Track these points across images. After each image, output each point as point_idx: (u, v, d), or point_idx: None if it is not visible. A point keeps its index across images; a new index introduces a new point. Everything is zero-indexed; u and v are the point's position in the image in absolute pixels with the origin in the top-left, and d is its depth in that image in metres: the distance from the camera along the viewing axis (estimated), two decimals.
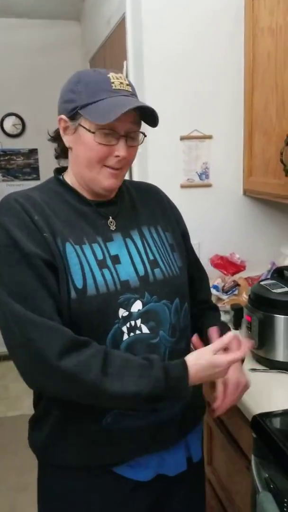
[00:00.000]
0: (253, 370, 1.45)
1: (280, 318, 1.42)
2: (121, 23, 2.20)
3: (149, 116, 0.98)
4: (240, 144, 1.99)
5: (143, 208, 1.11)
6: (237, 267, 1.92)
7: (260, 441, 1.14)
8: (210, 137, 1.96)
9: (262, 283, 1.54)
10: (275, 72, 1.69)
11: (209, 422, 1.61)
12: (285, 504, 1.02)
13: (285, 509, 1.02)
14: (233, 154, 2.00)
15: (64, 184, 1.04)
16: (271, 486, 1.09)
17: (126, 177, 1.11)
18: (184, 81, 1.91)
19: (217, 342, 0.97)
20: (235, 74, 1.94)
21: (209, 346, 0.97)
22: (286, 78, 1.61)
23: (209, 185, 2.00)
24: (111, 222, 1.03)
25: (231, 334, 0.99)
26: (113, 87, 0.94)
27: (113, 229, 1.02)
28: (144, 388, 0.88)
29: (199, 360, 0.94)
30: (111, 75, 0.96)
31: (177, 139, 1.94)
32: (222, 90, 1.95)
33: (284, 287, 1.47)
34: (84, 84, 0.96)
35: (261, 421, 1.15)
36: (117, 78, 0.96)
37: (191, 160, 1.96)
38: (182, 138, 1.94)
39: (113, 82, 0.95)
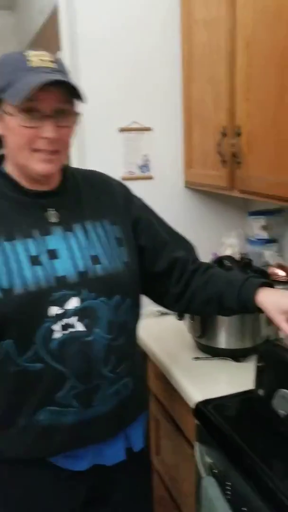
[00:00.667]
0: (196, 358, 1.47)
1: None
2: (54, 12, 2.15)
3: (75, 91, 0.92)
4: (180, 136, 2.00)
5: (89, 199, 1.06)
6: None
7: (203, 427, 1.15)
8: (149, 129, 1.96)
9: None
10: (210, 64, 1.71)
11: (155, 413, 1.62)
12: (228, 488, 1.04)
13: (227, 492, 1.04)
14: (173, 146, 2.01)
15: (1, 173, 1.00)
16: (214, 471, 1.11)
17: None
18: (120, 71, 1.89)
19: None
20: (172, 65, 1.94)
21: None
22: (220, 70, 1.63)
23: (150, 178, 1.99)
24: (53, 214, 0.99)
25: None
26: (30, 65, 0.90)
27: (54, 222, 0.99)
28: None
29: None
30: (29, 53, 0.92)
31: (115, 131, 1.92)
32: (160, 81, 1.95)
33: None
34: (1, 67, 0.92)
35: (203, 408, 1.16)
36: (37, 56, 0.92)
37: (131, 152, 1.95)
38: (121, 130, 1.92)
39: (29, 60, 0.90)
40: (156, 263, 1.15)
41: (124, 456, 1.08)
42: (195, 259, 1.22)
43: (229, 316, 1.34)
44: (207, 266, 1.20)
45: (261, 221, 1.95)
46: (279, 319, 1.02)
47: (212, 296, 1.14)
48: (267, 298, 1.05)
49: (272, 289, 1.10)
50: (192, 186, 2.02)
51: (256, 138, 1.47)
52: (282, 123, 1.33)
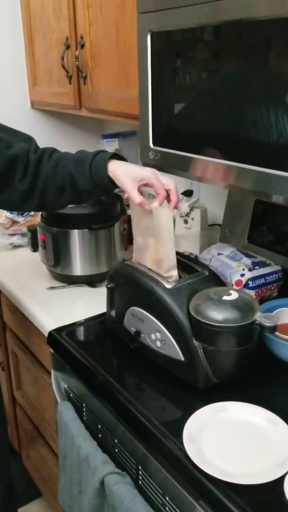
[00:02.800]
0: (51, 288, 1.42)
1: (73, 232, 1.38)
2: None
3: None
4: (21, 49, 1.81)
5: None
6: None
7: (56, 354, 1.12)
8: None
9: None
10: None
11: (13, 347, 1.55)
12: (84, 409, 1.04)
13: (84, 413, 1.04)
14: (15, 61, 1.81)
15: None
16: (71, 395, 1.10)
17: None
18: None
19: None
20: None
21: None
22: None
23: None
24: None
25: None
26: None
27: None
28: None
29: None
30: None
31: None
32: None
33: None
34: None
35: (56, 335, 1.13)
36: None
37: None
38: None
39: None
40: None
41: None
42: (36, 148, 1.08)
43: (87, 202, 1.20)
44: (51, 151, 1.07)
45: (114, 144, 1.89)
46: (130, 187, 0.96)
47: (65, 181, 1.03)
48: (118, 167, 0.99)
49: (123, 161, 1.03)
50: (39, 107, 1.87)
51: (100, 49, 1.37)
52: (124, 32, 1.25)
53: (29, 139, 1.09)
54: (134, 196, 0.96)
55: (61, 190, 1.04)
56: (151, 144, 1.09)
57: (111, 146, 1.90)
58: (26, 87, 1.85)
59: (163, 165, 1.08)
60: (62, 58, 1.53)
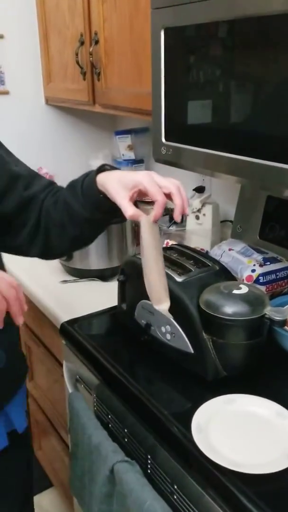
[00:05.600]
0: (64, 281, 1.44)
1: None
2: None
3: None
4: (37, 46, 1.83)
5: None
6: None
7: (69, 345, 1.14)
8: (1, 36, 1.75)
9: None
10: None
11: (26, 340, 1.58)
12: (95, 399, 1.06)
13: (94, 403, 1.06)
14: (30, 58, 1.83)
15: None
16: (82, 386, 1.12)
17: None
18: None
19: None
20: None
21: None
22: None
23: (6, 93, 1.81)
24: None
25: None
26: None
27: None
28: None
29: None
30: None
31: None
32: None
33: None
34: None
35: (68, 327, 1.15)
36: None
37: None
38: None
39: None
40: (4, 202, 0.91)
41: (7, 441, 0.97)
42: (48, 190, 0.96)
43: (91, 239, 1.00)
44: (57, 189, 0.96)
45: (127, 140, 1.90)
46: (121, 196, 0.79)
47: (63, 214, 0.90)
48: (106, 177, 0.83)
49: (113, 170, 0.87)
50: (53, 103, 1.89)
51: (114, 45, 1.38)
52: (138, 28, 1.26)
53: (46, 185, 0.97)
54: (124, 206, 0.79)
55: (61, 225, 0.91)
56: (163, 139, 1.10)
57: (124, 142, 1.91)
58: (41, 84, 1.87)
59: (176, 160, 1.09)
60: (76, 55, 1.55)
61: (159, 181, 0.81)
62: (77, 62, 1.55)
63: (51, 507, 1.73)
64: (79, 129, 2.02)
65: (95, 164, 1.96)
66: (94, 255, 1.44)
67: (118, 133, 1.92)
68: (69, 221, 0.90)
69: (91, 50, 1.47)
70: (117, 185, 0.80)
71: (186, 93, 1.02)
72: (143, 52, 1.25)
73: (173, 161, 1.10)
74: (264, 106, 0.85)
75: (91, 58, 1.48)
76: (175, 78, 1.04)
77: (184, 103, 1.04)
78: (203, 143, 1.01)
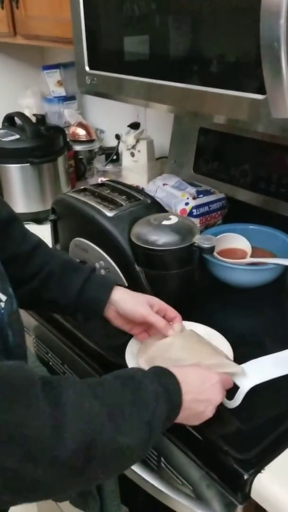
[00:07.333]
0: None
1: (14, 168, 1.35)
2: None
3: None
4: None
5: None
6: None
7: None
8: None
9: None
10: None
11: None
12: (34, 340, 1.06)
13: (34, 344, 1.06)
14: None
15: None
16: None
17: None
18: None
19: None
20: None
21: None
22: None
23: None
24: None
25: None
26: None
27: None
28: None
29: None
30: None
31: None
32: None
33: (15, 135, 1.37)
34: None
35: None
36: None
37: None
38: None
39: None
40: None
41: None
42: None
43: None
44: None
45: (55, 75, 1.81)
46: (147, 312, 0.78)
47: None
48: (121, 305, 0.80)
49: (123, 290, 0.83)
50: None
51: None
52: None
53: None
54: (156, 320, 0.77)
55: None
56: (87, 68, 1.05)
57: (52, 77, 1.81)
58: None
59: (101, 89, 1.05)
60: None
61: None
62: None
63: None
64: (4, 65, 1.89)
65: (24, 103, 1.86)
66: (25, 197, 1.39)
67: (46, 68, 1.82)
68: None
69: None
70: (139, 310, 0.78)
71: (109, 17, 0.97)
72: None
73: (100, 91, 1.05)
74: (196, 30, 0.81)
75: None
76: (95, 2, 0.97)
77: (106, 28, 0.98)
78: (129, 70, 0.96)
